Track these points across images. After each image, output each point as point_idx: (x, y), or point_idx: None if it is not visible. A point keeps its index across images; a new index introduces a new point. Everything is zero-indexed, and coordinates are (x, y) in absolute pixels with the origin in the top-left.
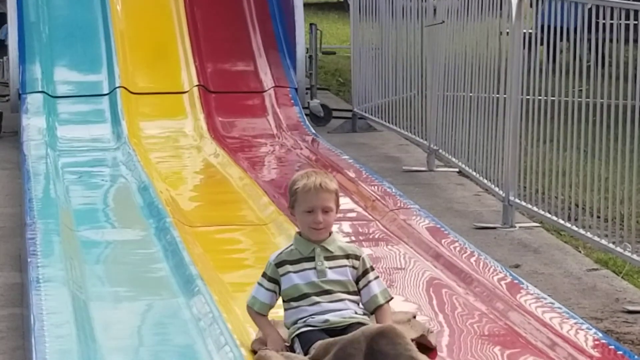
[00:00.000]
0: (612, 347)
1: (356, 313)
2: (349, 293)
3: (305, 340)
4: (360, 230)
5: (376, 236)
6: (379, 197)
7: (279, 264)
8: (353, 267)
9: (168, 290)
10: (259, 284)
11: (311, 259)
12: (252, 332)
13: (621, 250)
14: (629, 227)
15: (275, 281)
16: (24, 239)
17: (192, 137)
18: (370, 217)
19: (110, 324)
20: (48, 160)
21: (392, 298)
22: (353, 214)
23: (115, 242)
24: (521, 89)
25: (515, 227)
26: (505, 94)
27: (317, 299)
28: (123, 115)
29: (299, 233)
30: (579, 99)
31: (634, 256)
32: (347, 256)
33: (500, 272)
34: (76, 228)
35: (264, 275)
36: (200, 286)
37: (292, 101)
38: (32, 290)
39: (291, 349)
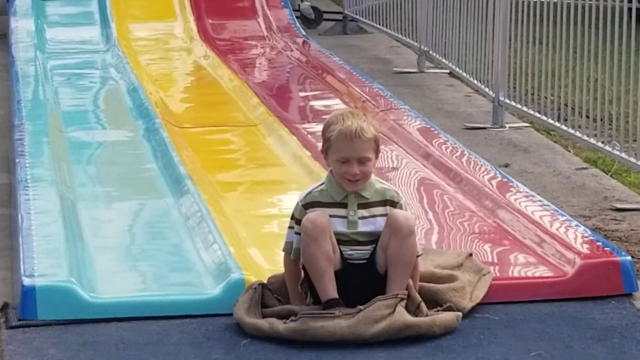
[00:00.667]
0: (600, 243)
1: None
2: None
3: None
4: None
5: None
6: (369, 98)
7: (307, 205)
8: (386, 214)
9: (157, 190)
10: (290, 227)
11: (343, 205)
12: (241, 229)
13: (610, 149)
14: (618, 126)
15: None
16: (12, 140)
17: (182, 40)
18: None
19: (98, 223)
20: (37, 62)
21: (421, 254)
22: None
23: (104, 143)
24: None
25: (505, 127)
26: None
27: (343, 248)
28: (112, 17)
29: (332, 173)
30: (569, 0)
31: (623, 155)
32: (384, 202)
33: (490, 171)
34: (65, 129)
35: (293, 218)
36: (189, 186)
37: (283, 3)
38: (20, 190)
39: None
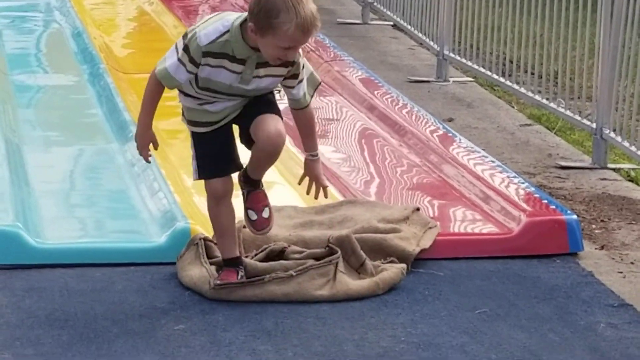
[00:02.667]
0: (545, 201)
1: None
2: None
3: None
4: None
5: None
6: (313, 49)
7: (208, 53)
8: (281, 75)
9: (102, 136)
10: (180, 60)
11: (242, 62)
12: (186, 178)
13: (554, 106)
14: (563, 83)
15: (197, 65)
16: None
17: None
18: None
19: (43, 168)
20: None
21: (312, 97)
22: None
23: (48, 87)
24: None
25: (449, 81)
26: None
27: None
28: None
29: (242, 29)
30: None
31: (567, 112)
32: (284, 63)
33: (434, 125)
34: (9, 72)
35: (187, 50)
36: (134, 132)
37: None
38: None
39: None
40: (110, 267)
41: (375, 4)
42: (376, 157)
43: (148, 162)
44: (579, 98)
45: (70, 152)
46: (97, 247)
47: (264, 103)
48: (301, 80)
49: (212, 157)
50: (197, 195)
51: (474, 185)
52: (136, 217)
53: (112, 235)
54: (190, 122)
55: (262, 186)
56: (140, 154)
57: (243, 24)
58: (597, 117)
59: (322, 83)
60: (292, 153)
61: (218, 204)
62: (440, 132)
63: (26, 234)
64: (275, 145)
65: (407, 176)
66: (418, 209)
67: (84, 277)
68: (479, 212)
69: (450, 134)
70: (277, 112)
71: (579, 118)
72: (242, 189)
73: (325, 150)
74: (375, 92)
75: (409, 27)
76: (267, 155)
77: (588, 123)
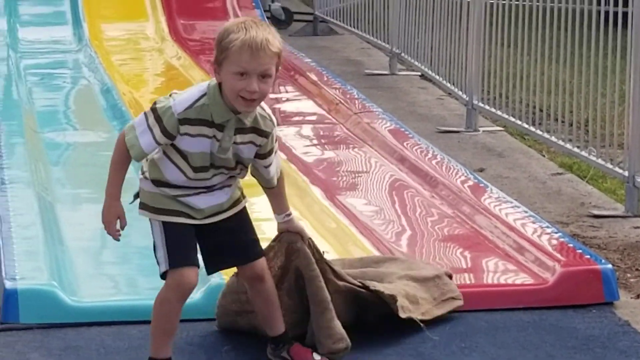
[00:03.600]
0: (580, 251)
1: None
2: (239, 170)
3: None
4: (324, 133)
5: (340, 139)
6: (342, 101)
7: (184, 120)
8: (258, 145)
9: (132, 192)
10: (150, 128)
11: (220, 127)
12: None
13: (586, 155)
14: (594, 131)
15: (171, 137)
16: None
17: (154, 40)
18: (334, 120)
19: (75, 225)
20: (10, 62)
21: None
22: (316, 117)
23: (79, 144)
24: None
25: (478, 130)
26: None
27: (202, 176)
28: (84, 17)
29: (220, 88)
30: (543, 3)
31: (599, 160)
32: (260, 132)
33: (465, 175)
34: (40, 130)
35: (159, 121)
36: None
37: (253, 4)
38: None
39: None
40: (146, 325)
41: (402, 54)
42: (408, 209)
43: (117, 240)
44: (610, 146)
45: (101, 209)
46: (132, 305)
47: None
48: (272, 162)
49: (185, 244)
50: None
51: (507, 236)
52: None
53: (146, 292)
54: (159, 211)
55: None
56: (108, 232)
57: (220, 84)
58: (629, 165)
59: (352, 135)
60: (324, 206)
61: (180, 300)
62: (472, 182)
63: (62, 293)
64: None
65: (439, 227)
66: (450, 276)
67: (120, 335)
68: (513, 263)
69: (482, 185)
70: (260, 248)
71: (610, 166)
72: (278, 356)
73: (356, 203)
74: (405, 143)
75: (437, 77)
76: (265, 299)
77: (620, 171)
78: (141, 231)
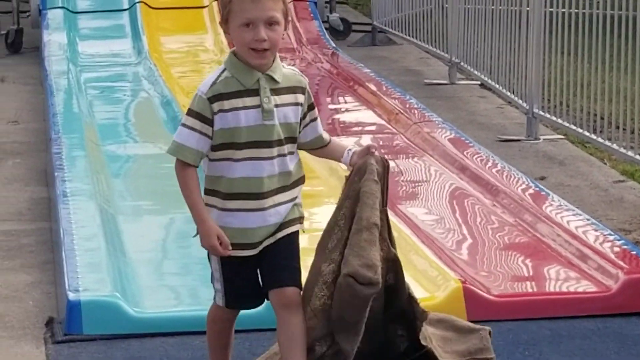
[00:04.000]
0: None
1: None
2: (292, 142)
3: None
4: (384, 143)
5: (400, 149)
6: (402, 110)
7: (213, 97)
8: (299, 103)
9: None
10: (186, 125)
11: (254, 92)
12: None
13: None
14: None
15: (209, 121)
16: (49, 154)
17: (213, 52)
18: (394, 130)
19: (137, 236)
20: (70, 75)
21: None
22: (376, 127)
23: (140, 156)
24: (543, 1)
25: (539, 139)
26: (528, 6)
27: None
28: (143, 30)
29: (234, 54)
30: (603, 11)
31: None
32: (294, 89)
33: (526, 184)
34: (101, 142)
35: (191, 113)
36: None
37: (312, 15)
38: (60, 204)
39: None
40: None
41: (462, 63)
42: (469, 218)
43: (227, 254)
44: None
45: (162, 220)
46: (195, 315)
47: (286, 265)
48: (315, 118)
49: (242, 287)
50: None
51: (569, 244)
52: None
53: (208, 302)
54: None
55: None
56: (218, 253)
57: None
58: None
59: (412, 144)
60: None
61: (232, 320)
62: (533, 190)
63: (125, 304)
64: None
65: (500, 236)
66: (490, 333)
67: (183, 345)
68: (575, 271)
69: (543, 193)
70: (297, 277)
71: None
72: None
73: (417, 213)
74: (466, 152)
75: (496, 85)
76: (289, 336)
77: None
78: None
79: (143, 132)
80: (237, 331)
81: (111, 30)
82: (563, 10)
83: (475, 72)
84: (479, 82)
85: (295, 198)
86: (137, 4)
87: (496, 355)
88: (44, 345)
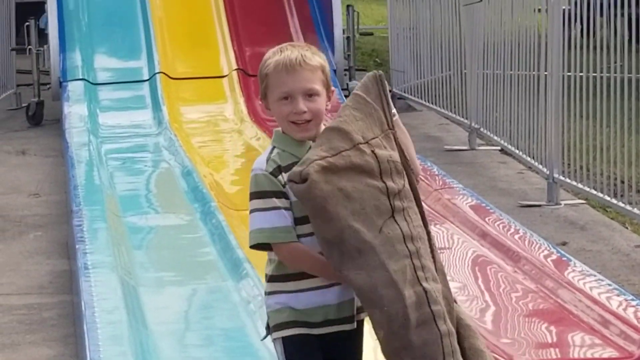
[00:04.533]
0: None
1: None
2: None
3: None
4: None
5: None
6: (422, 177)
7: (274, 171)
8: None
9: (216, 274)
10: (260, 209)
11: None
12: None
13: None
14: None
15: (284, 195)
16: (70, 226)
17: (233, 121)
18: None
19: (159, 309)
20: (91, 147)
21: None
22: None
23: (161, 227)
24: (562, 66)
25: (560, 204)
26: (546, 70)
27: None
28: (163, 100)
29: (281, 131)
30: (621, 74)
31: None
32: None
33: (548, 250)
34: (122, 214)
35: (259, 195)
36: (248, 269)
37: (331, 82)
38: (81, 276)
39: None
40: None
41: (481, 129)
42: (491, 285)
43: None
44: None
45: (184, 291)
46: None
47: None
48: None
49: None
50: None
51: (591, 310)
52: (254, 356)
53: None
54: (278, 327)
55: None
56: None
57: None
58: None
59: (433, 211)
60: None
61: None
62: (555, 256)
63: None
64: None
65: (523, 303)
66: None
67: None
68: (598, 337)
69: (565, 258)
70: None
71: None
72: None
73: None
74: (487, 219)
75: (516, 151)
76: None
77: None
78: (225, 312)
79: (164, 202)
80: None
81: (132, 101)
82: (581, 74)
83: (495, 138)
84: (499, 148)
85: None
86: (157, 75)
87: None
88: None
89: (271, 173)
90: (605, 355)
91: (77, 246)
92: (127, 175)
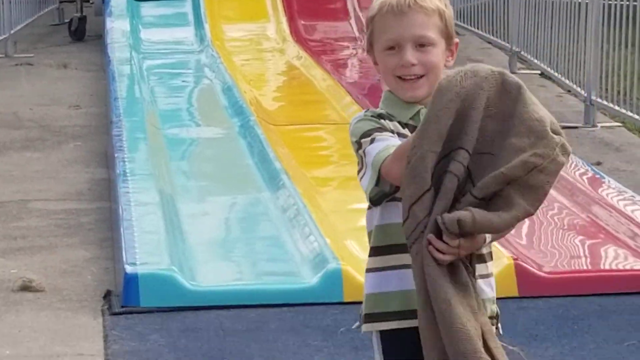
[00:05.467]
0: None
1: None
2: None
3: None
4: None
5: None
6: None
7: (377, 115)
8: None
9: (253, 185)
10: (374, 140)
11: (412, 129)
12: (338, 223)
13: None
14: None
15: (390, 130)
16: (109, 136)
17: (275, 40)
18: None
19: (197, 216)
20: (132, 62)
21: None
22: None
23: (200, 140)
24: None
25: (597, 126)
26: None
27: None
28: (206, 18)
29: (390, 91)
30: None
31: None
32: None
33: (583, 168)
34: (161, 126)
35: (367, 133)
36: (285, 180)
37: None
38: (119, 183)
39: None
40: (264, 308)
41: (522, 52)
42: None
43: None
44: None
45: (223, 201)
46: (251, 289)
47: None
48: None
49: None
50: (348, 238)
51: (622, 225)
52: (288, 260)
53: (266, 277)
54: (373, 317)
55: None
56: None
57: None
58: None
59: None
60: None
61: None
62: (589, 174)
63: (181, 277)
64: None
65: (557, 218)
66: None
67: (238, 317)
68: (628, 250)
69: (599, 176)
70: None
71: None
72: None
73: None
74: None
75: (556, 74)
76: None
77: None
78: (262, 222)
79: (204, 116)
80: (290, 305)
81: (174, 18)
82: (621, 2)
83: (535, 61)
84: (539, 72)
85: None
86: None
87: (545, 329)
88: (102, 316)
89: (372, 116)
90: (631, 267)
91: (115, 155)
92: (167, 90)
